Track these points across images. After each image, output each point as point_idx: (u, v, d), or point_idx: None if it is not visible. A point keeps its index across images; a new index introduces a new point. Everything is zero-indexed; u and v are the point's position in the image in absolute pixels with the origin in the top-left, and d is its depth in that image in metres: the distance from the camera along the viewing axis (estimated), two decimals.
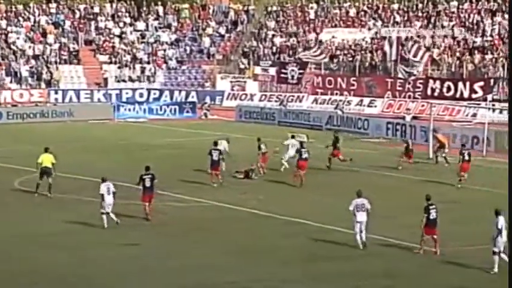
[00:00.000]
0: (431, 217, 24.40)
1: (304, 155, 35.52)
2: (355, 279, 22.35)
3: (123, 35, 73.42)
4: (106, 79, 69.32)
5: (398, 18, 69.85)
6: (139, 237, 26.61)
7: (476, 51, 62.51)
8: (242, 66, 70.72)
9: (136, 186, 29.56)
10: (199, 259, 24.09)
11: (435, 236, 24.41)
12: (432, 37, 65.50)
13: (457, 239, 26.14)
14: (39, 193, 32.16)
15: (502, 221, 22.49)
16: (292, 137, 38.97)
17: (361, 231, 25.20)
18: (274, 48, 71.28)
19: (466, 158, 35.99)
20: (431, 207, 24.60)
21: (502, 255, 22.55)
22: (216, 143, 36.21)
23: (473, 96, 57.63)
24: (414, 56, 61.04)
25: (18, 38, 70.04)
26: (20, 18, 72.33)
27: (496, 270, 22.49)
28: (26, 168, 37.01)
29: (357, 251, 25.04)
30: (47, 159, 32.38)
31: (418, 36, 65.56)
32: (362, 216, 25.26)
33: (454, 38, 64.89)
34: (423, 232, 24.40)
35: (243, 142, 41.88)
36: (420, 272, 23.14)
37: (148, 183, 28.94)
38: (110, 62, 70.59)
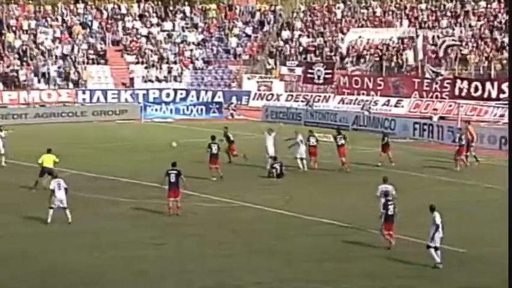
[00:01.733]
0: (389, 213, 24.99)
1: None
2: (380, 280, 22.33)
3: (150, 35, 73.71)
4: (132, 79, 69.63)
5: (425, 18, 69.57)
6: (165, 237, 26.71)
7: (504, 51, 62.14)
8: (268, 67, 70.74)
9: (162, 186, 29.76)
10: (226, 259, 24.14)
11: (391, 232, 24.95)
12: (460, 37, 65.18)
13: (481, 239, 26.10)
14: (36, 189, 32.82)
15: (438, 217, 23.20)
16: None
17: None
18: (300, 48, 71.25)
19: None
20: (389, 203, 25.17)
21: (438, 251, 23.12)
22: (213, 138, 36.56)
23: (501, 96, 57.26)
24: (444, 54, 60.80)
25: (46, 39, 70.53)
26: (49, 19, 72.81)
27: (439, 261, 23.04)
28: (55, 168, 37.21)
29: (382, 251, 25.02)
30: (48, 159, 33.19)
31: (445, 36, 65.30)
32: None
33: (481, 37, 64.54)
34: (382, 228, 25.05)
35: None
36: (443, 273, 23.07)
37: (173, 179, 29.20)
38: (137, 62, 70.90)
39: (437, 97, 60.67)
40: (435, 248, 23.16)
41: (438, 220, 23.17)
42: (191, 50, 73.02)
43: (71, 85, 66.95)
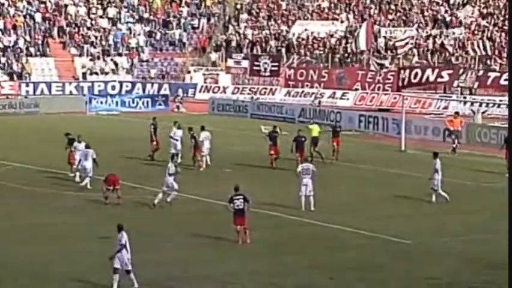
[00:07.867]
0: (236, 207, 24.83)
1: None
2: (328, 272, 22.38)
3: (95, 27, 72.99)
4: (77, 71, 68.90)
5: (371, 12, 69.94)
6: (110, 231, 26.39)
7: (448, 45, 62.72)
8: (215, 59, 70.57)
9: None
10: (169, 253, 23.97)
11: (244, 226, 24.77)
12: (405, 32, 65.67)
13: (430, 231, 26.38)
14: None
15: (125, 236, 21.04)
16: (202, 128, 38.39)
17: (307, 195, 28.26)
18: (246, 40, 71.17)
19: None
20: (235, 197, 24.95)
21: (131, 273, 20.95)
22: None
23: (439, 80, 56.73)
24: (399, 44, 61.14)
25: None
26: None
27: (136, 285, 20.84)
28: None
29: (328, 243, 25.13)
30: (315, 130, 38.57)
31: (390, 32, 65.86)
32: (307, 180, 28.46)
33: (424, 33, 65.06)
34: (233, 223, 24.89)
35: (216, 135, 41.65)
36: (392, 264, 23.24)
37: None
38: (82, 55, 70.18)
39: (379, 89, 60.97)
40: (128, 272, 20.88)
41: (124, 240, 20.97)
42: (137, 42, 72.46)
43: (14, 77, 66.02)
